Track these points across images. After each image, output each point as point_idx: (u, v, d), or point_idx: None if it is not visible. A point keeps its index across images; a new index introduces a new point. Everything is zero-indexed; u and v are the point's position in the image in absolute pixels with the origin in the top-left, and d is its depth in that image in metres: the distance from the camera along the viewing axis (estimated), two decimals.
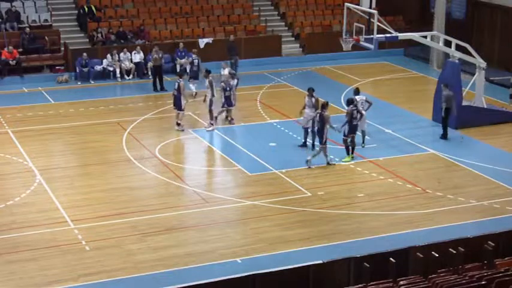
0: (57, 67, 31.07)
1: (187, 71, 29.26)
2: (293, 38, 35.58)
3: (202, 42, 32.30)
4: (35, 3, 33.36)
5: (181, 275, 15.34)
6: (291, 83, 30.54)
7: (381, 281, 12.48)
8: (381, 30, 24.78)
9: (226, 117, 25.18)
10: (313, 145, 22.61)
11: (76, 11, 33.83)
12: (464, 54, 25.37)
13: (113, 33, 32.45)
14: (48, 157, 22.11)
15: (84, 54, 30.50)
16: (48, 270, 15.60)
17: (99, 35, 32.10)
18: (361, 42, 24.62)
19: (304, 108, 22.65)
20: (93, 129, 24.59)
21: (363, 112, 22.50)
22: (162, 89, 29.02)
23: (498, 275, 12.16)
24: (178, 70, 30.01)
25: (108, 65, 30.85)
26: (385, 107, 27.19)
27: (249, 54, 32.89)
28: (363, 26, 24.78)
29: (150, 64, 30.03)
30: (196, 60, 28.43)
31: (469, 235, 14.86)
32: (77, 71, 30.55)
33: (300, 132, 23.47)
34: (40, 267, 15.73)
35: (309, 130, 22.65)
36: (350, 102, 21.97)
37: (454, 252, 13.55)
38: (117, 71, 30.73)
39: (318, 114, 21.38)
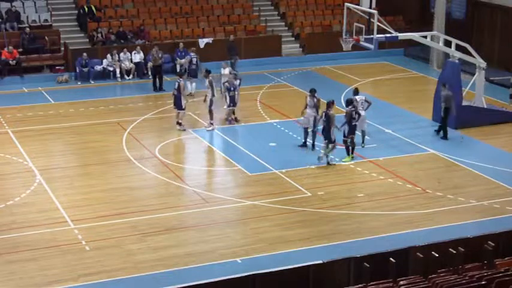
0: (57, 67, 31.07)
1: (187, 70, 29.28)
2: (293, 38, 35.59)
3: (202, 42, 32.30)
4: (35, 3, 33.36)
5: (181, 275, 15.34)
6: (291, 83, 30.54)
7: (381, 281, 12.48)
8: (380, 30, 24.78)
9: (235, 118, 25.10)
10: (313, 145, 22.62)
11: (76, 11, 33.84)
12: (464, 54, 25.37)
13: (113, 33, 32.46)
14: (48, 157, 22.11)
15: (84, 54, 30.50)
16: (48, 270, 15.60)
17: (99, 35, 32.11)
18: (361, 42, 24.62)
19: (305, 108, 22.63)
20: (93, 129, 24.59)
21: (362, 112, 22.51)
22: (161, 89, 29.03)
23: (498, 275, 12.15)
24: (178, 70, 30.00)
25: (108, 65, 30.85)
26: (385, 107, 27.20)
27: (249, 54, 32.89)
28: (363, 26, 24.78)
29: (150, 64, 30.04)
30: (195, 59, 28.47)
31: (469, 235, 14.86)
32: (77, 71, 30.55)
33: (300, 132, 23.47)
34: (40, 267, 15.73)
35: (309, 130, 22.66)
36: (349, 102, 21.99)
37: (454, 252, 13.55)
38: (117, 71, 30.73)
39: (324, 113, 21.37)
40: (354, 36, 24.66)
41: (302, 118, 22.92)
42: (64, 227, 17.54)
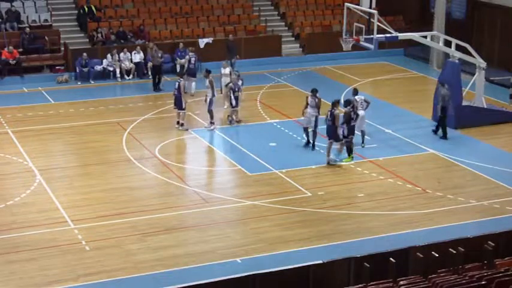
0: (57, 67, 31.07)
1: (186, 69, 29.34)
2: (293, 38, 35.58)
3: (202, 42, 32.30)
4: (35, 3, 33.36)
5: (181, 275, 15.34)
6: (291, 83, 30.54)
7: (381, 281, 12.48)
8: (380, 30, 24.78)
9: (231, 117, 25.08)
10: (313, 145, 22.61)
11: (76, 11, 33.83)
12: (464, 54, 25.36)
13: (113, 33, 32.46)
14: (48, 157, 22.11)
15: (84, 54, 30.50)
16: (48, 270, 15.60)
17: (99, 35, 32.11)
18: (361, 42, 24.62)
19: (306, 107, 22.60)
20: (93, 129, 24.60)
21: (361, 112, 22.50)
22: (158, 89, 28.98)
23: (498, 275, 12.15)
24: (178, 70, 30.02)
25: (108, 65, 30.85)
26: (385, 107, 27.20)
27: (249, 54, 32.87)
28: (363, 26, 24.78)
29: (150, 64, 30.04)
30: (194, 58, 28.50)
31: (469, 235, 14.86)
32: (77, 71, 30.54)
33: (300, 132, 23.48)
34: (40, 267, 15.73)
35: (310, 130, 22.64)
36: (348, 103, 21.99)
37: (454, 252, 13.55)
38: (117, 71, 30.73)
39: (330, 113, 21.34)
40: (354, 36, 24.66)
41: (303, 118, 22.92)
42: (64, 227, 17.54)
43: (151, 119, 25.81)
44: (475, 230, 16.47)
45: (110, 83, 30.52)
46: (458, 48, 25.33)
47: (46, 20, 32.62)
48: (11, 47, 30.35)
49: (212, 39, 32.64)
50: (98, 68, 30.79)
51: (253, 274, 13.22)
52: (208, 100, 24.39)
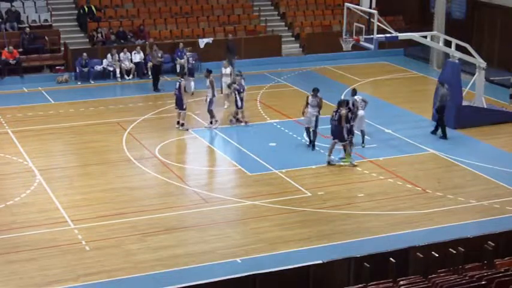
0: (57, 67, 31.07)
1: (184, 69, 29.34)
2: (293, 38, 35.59)
3: (202, 42, 32.29)
4: (35, 3, 33.37)
5: (181, 275, 15.34)
6: (291, 83, 30.55)
7: (381, 281, 12.48)
8: (380, 30, 24.78)
9: (237, 118, 25.04)
10: (313, 145, 22.61)
11: (76, 11, 33.84)
12: (464, 54, 25.36)
13: (113, 33, 32.47)
14: (48, 157, 22.10)
15: (84, 54, 30.50)
16: (48, 270, 15.60)
17: (99, 35, 32.11)
18: (361, 42, 24.62)
19: (306, 107, 22.56)
20: (93, 129, 24.59)
21: (360, 112, 22.48)
22: (157, 89, 28.97)
23: (498, 275, 12.15)
24: (178, 70, 30.03)
25: (108, 65, 30.85)
26: (385, 107, 27.21)
27: (249, 54, 32.87)
28: (363, 26, 24.78)
29: (150, 64, 30.05)
30: (191, 58, 28.52)
31: (469, 235, 14.86)
32: (77, 71, 30.54)
33: (300, 132, 23.48)
34: (40, 267, 15.73)
35: (311, 130, 22.62)
36: (345, 104, 21.94)
37: (454, 252, 13.54)
38: (117, 71, 30.73)
39: (335, 113, 21.29)
40: (354, 36, 24.67)
41: (303, 118, 22.91)
42: (64, 227, 17.54)
43: (151, 119, 25.81)
44: (475, 230, 16.47)
45: (110, 83, 30.52)
46: (458, 48, 25.33)
47: (46, 20, 32.63)
48: (11, 47, 30.36)
49: (212, 39, 32.64)
50: (98, 68, 30.79)
51: (253, 274, 13.21)
52: (208, 100, 24.39)
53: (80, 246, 16.63)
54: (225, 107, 26.48)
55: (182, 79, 24.68)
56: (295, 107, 25.02)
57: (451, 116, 24.26)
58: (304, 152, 22.51)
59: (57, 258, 16.12)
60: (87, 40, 32.64)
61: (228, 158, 22.17)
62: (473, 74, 25.91)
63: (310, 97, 22.62)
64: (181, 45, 31.23)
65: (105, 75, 30.89)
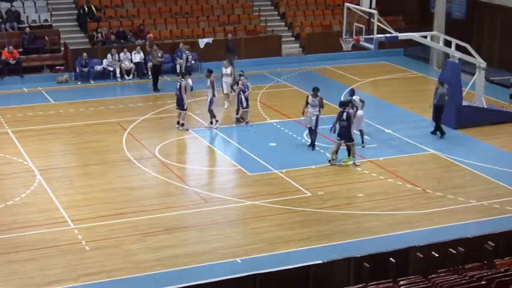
0: (57, 67, 31.06)
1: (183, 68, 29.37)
2: (293, 38, 35.58)
3: (202, 42, 32.30)
4: (35, 3, 33.36)
5: (181, 275, 15.34)
6: (291, 83, 30.55)
7: (381, 281, 12.48)
8: (380, 30, 24.79)
9: (238, 118, 25.04)
10: (313, 145, 22.60)
11: (76, 11, 33.83)
12: (464, 54, 25.36)
13: (113, 33, 32.46)
14: (48, 157, 22.10)
15: (84, 54, 30.50)
16: (48, 270, 15.60)
17: (99, 35, 32.11)
18: (361, 42, 24.62)
19: (306, 107, 22.55)
20: (93, 129, 24.59)
21: (358, 112, 22.44)
22: (157, 89, 28.96)
23: (498, 275, 12.15)
24: (178, 70, 30.04)
25: (108, 65, 30.85)
26: (385, 107, 27.21)
27: (249, 54, 32.87)
28: (363, 26, 24.78)
29: (150, 64, 30.05)
30: (190, 56, 28.50)
31: (469, 235, 14.87)
32: (77, 71, 30.54)
33: (300, 132, 23.47)
34: (40, 267, 15.73)
35: (312, 129, 22.62)
36: (349, 103, 21.96)
37: (454, 252, 13.55)
38: (117, 71, 30.73)
39: (343, 112, 21.23)
40: (354, 36, 24.67)
41: (303, 118, 22.90)
42: (64, 227, 17.54)
43: (151, 119, 25.81)
44: (475, 230, 16.47)
45: (110, 83, 30.52)
46: (458, 48, 25.33)
47: (46, 20, 32.63)
48: (11, 47, 30.35)
49: (212, 39, 32.64)
50: (98, 68, 30.79)
51: (253, 274, 13.22)
52: (208, 100, 24.39)
53: (80, 246, 16.63)
54: (225, 107, 26.49)
55: (183, 79, 24.68)
56: (295, 107, 25.03)
57: (451, 116, 24.25)
58: (304, 152, 22.51)
59: (57, 258, 16.12)
60: (87, 40, 32.63)
61: (228, 158, 22.18)
62: (473, 74, 25.91)
63: (310, 97, 22.61)
64: (181, 45, 31.23)
65: (105, 75, 30.89)
